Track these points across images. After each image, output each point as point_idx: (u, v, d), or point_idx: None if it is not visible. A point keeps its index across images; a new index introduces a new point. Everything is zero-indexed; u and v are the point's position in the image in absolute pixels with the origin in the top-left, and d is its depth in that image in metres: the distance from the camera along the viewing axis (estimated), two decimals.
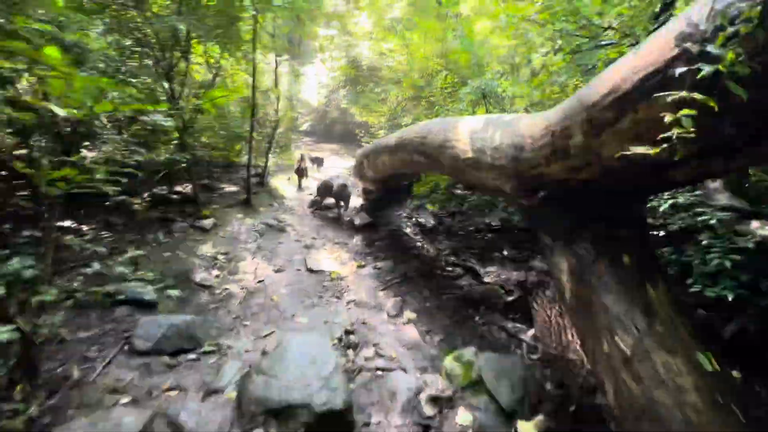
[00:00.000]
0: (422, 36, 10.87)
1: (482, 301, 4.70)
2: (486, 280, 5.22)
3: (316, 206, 9.22)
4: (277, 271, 5.66)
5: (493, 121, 3.08)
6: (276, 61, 10.13)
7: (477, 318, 4.48)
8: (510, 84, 7.12)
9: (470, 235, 7.29)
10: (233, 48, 9.02)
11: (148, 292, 4.09)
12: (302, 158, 13.34)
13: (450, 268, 5.82)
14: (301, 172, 11.34)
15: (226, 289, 4.97)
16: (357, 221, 7.79)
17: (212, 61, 8.17)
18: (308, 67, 19.03)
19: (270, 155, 11.03)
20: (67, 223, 5.77)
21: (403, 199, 9.36)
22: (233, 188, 9.23)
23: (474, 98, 6.98)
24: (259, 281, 5.30)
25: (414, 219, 8.21)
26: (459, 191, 8.26)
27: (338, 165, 16.19)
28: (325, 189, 9.28)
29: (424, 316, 4.64)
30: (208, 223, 6.51)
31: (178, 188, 8.24)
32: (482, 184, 3.34)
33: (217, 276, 5.22)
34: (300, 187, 11.40)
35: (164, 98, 6.44)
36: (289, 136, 16.30)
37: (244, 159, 11.21)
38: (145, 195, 7.45)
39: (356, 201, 10.02)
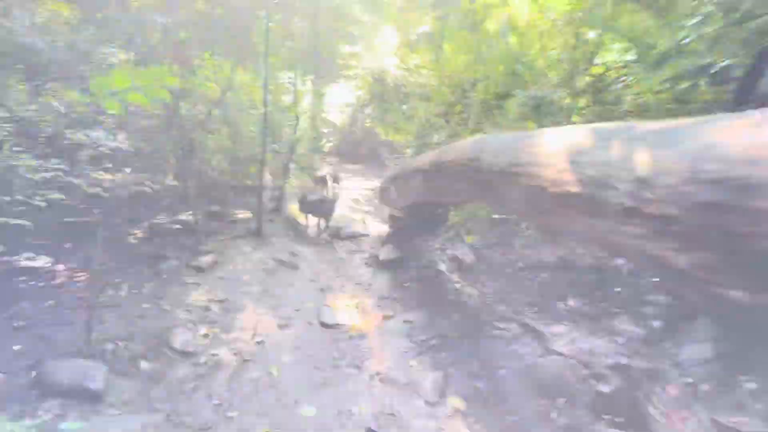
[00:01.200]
0: (454, 47, 9.72)
1: (558, 386, 3.30)
2: (556, 348, 3.82)
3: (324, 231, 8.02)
4: (282, 326, 4.42)
5: (623, 133, 1.77)
6: (295, 84, 9.16)
7: (554, 415, 3.08)
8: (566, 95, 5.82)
9: (520, 274, 5.91)
10: (245, 60, 8.11)
11: (95, 376, 2.90)
12: (323, 180, 12.23)
13: (502, 325, 4.45)
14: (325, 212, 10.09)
15: (214, 355, 3.75)
16: (382, 255, 6.50)
17: (224, 74, 7.20)
18: (332, 86, 18.19)
19: (289, 177, 9.99)
20: (38, 263, 4.75)
21: (435, 227, 8.06)
22: (247, 214, 8.15)
23: (524, 111, 5.68)
24: (259, 342, 4.07)
25: (449, 252, 6.88)
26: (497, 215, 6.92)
27: (361, 186, 15.04)
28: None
29: (477, 406, 3.28)
30: (206, 261, 5.36)
31: (183, 216, 7.21)
32: (601, 239, 2.02)
33: (205, 335, 4.02)
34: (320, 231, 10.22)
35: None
36: (312, 157, 15.36)
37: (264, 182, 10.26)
38: (145, 225, 6.45)
39: (380, 227, 8.78)
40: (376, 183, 15.18)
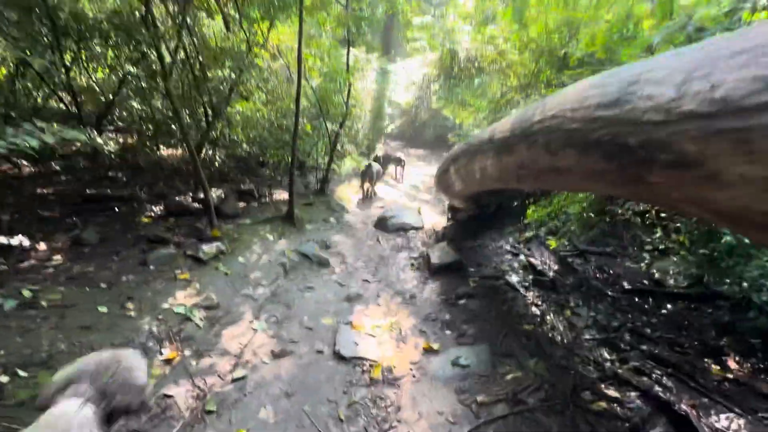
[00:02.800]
0: (541, 2, 7.69)
1: None
2: None
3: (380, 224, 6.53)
4: (280, 353, 3.05)
5: None
6: (348, 41, 7.72)
7: None
8: None
9: (630, 301, 4.05)
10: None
11: None
12: (378, 159, 10.78)
13: (611, 392, 2.73)
14: (371, 176, 8.56)
15: (166, 398, 2.48)
16: (434, 257, 4.91)
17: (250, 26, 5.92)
18: (398, 64, 16.58)
19: (336, 155, 8.68)
20: (14, 241, 3.83)
21: (506, 224, 6.31)
22: (284, 195, 7.00)
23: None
24: (237, 378, 2.75)
25: (523, 259, 5.13)
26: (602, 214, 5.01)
27: (423, 172, 13.44)
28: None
29: None
30: (209, 249, 4.14)
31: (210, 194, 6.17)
32: None
33: (166, 361, 2.78)
34: (367, 196, 8.76)
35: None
36: (372, 138, 13.98)
37: (318, 160, 9.04)
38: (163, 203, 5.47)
39: (437, 220, 7.17)
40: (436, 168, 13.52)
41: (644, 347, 3.20)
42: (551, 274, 4.74)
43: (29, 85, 5.79)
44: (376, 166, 8.59)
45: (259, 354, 3.00)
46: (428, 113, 19.24)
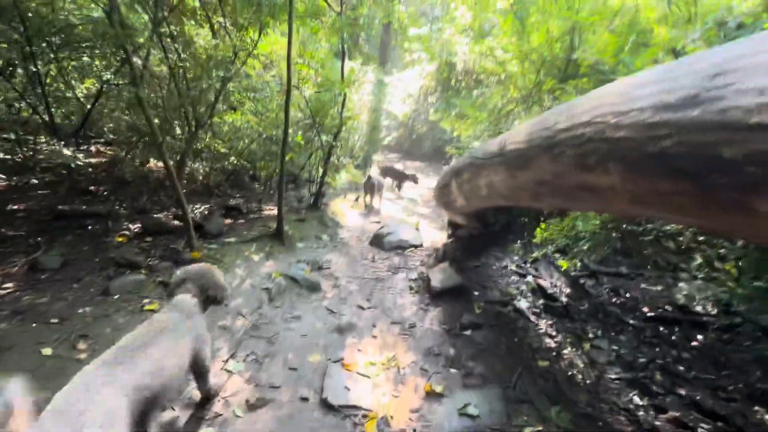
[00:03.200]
0: (542, 10, 7.38)
1: None
2: None
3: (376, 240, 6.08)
4: (255, 402, 2.57)
5: None
6: (343, 50, 7.37)
7: None
8: None
9: (649, 328, 3.60)
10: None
11: None
12: (384, 171, 10.48)
13: None
14: (372, 188, 8.24)
15: None
16: (435, 280, 4.45)
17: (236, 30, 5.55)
18: (395, 76, 16.34)
19: (331, 168, 8.29)
20: None
21: (510, 241, 5.88)
22: (275, 211, 6.57)
23: None
24: None
25: (531, 279, 4.69)
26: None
27: (421, 185, 13.06)
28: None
29: None
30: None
31: (195, 210, 5.73)
32: None
33: None
34: (368, 208, 8.40)
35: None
36: (368, 151, 13.62)
37: (312, 173, 8.63)
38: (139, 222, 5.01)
39: (437, 236, 6.74)
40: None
41: (681, 391, 2.75)
42: (563, 298, 4.30)
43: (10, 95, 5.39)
44: (377, 177, 8.26)
45: (233, 404, 2.52)
46: (425, 125, 18.96)
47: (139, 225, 4.93)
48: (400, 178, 11.30)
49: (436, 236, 6.79)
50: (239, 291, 3.85)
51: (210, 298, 2.40)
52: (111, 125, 6.48)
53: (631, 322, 3.81)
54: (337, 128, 7.30)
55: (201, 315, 2.30)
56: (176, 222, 4.98)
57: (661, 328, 3.68)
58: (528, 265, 5.24)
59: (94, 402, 1.42)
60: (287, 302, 3.92)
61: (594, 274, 4.69)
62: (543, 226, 4.38)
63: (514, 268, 5.22)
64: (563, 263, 4.46)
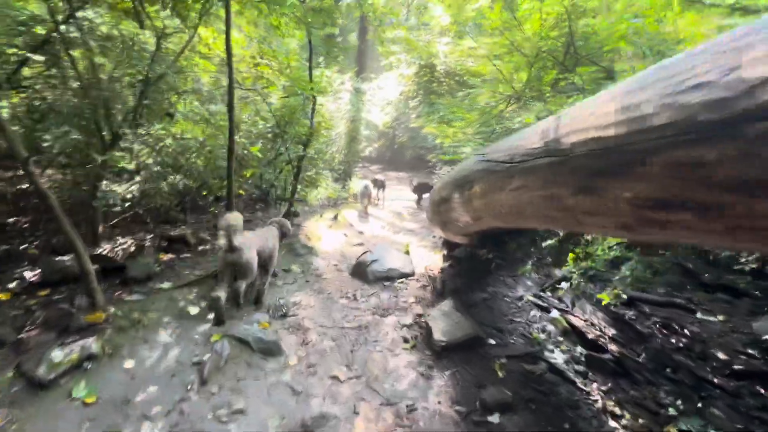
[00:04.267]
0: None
1: None
2: None
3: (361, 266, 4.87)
4: None
5: None
6: (310, 47, 6.20)
7: None
8: None
9: (744, 390, 2.47)
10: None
11: None
12: (366, 188, 9.32)
13: None
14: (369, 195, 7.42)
15: None
16: (438, 332, 3.20)
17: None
18: (373, 83, 15.27)
19: (305, 183, 7.08)
20: None
21: (519, 259, 4.74)
22: None
23: None
24: None
25: (558, 314, 3.52)
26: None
27: (405, 196, 11.93)
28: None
29: None
30: (63, 356, 2.35)
31: (124, 244, 4.42)
32: None
33: None
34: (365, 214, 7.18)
35: None
36: (348, 163, 12.44)
37: (286, 189, 7.35)
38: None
39: (430, 258, 5.56)
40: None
41: None
42: (609, 344, 3.14)
43: None
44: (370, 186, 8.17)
45: None
46: (407, 134, 17.93)
47: (40, 271, 3.59)
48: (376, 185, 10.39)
49: (428, 258, 5.59)
50: (155, 374, 2.55)
51: (283, 232, 4.36)
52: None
53: (716, 380, 2.67)
54: (307, 137, 6.09)
55: (278, 237, 4.22)
56: (93, 266, 3.66)
57: (762, 389, 2.55)
58: (547, 293, 4.09)
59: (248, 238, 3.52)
60: (229, 383, 2.63)
61: (632, 303, 3.56)
62: (578, 250, 3.24)
63: (531, 298, 4.06)
64: (604, 297, 3.31)
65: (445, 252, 5.64)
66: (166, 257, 4.38)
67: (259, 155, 5.45)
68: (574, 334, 3.32)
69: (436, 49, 10.38)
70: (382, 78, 14.36)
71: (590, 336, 3.25)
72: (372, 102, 14.85)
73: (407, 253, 5.53)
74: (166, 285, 3.71)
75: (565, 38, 6.07)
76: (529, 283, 4.50)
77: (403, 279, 4.65)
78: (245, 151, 5.36)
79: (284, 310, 3.77)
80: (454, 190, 3.15)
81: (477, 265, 4.87)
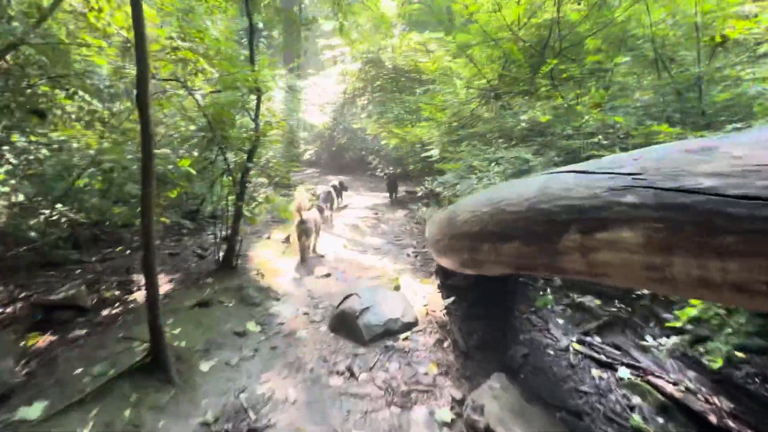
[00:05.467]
0: None
1: None
2: None
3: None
4: None
5: None
6: (250, 22, 4.68)
7: None
8: None
9: None
10: None
11: None
12: (325, 198, 7.78)
13: None
14: (306, 232, 5.24)
15: None
16: None
17: None
18: (310, 80, 13.72)
19: (249, 199, 5.49)
20: None
21: (528, 284, 3.78)
22: (170, 275, 3.68)
23: None
24: None
25: (626, 373, 2.58)
26: None
27: (356, 203, 10.66)
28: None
29: None
30: None
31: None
32: None
33: None
34: (304, 259, 5.55)
35: None
36: (283, 169, 10.79)
37: (225, 206, 5.61)
38: None
39: (417, 289, 4.40)
40: (372, 200, 10.80)
41: None
42: (729, 420, 2.24)
43: None
44: (312, 217, 5.42)
45: None
46: (346, 135, 16.59)
47: None
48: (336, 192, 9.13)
49: (419, 289, 4.42)
50: None
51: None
52: None
53: None
54: (252, 143, 4.56)
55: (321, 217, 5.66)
56: None
57: None
58: (597, 341, 3.16)
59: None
60: None
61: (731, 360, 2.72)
62: (698, 303, 2.30)
63: (579, 347, 3.09)
64: (718, 360, 2.40)
65: (439, 281, 4.52)
66: (42, 341, 2.67)
67: (191, 171, 3.82)
68: (676, 408, 2.38)
69: (386, 42, 9.21)
70: (322, 75, 12.88)
71: (697, 408, 2.33)
72: (309, 101, 13.31)
73: (397, 288, 4.28)
74: (35, 410, 2.08)
75: (548, 26, 5.27)
76: (559, 320, 3.56)
77: (409, 333, 3.41)
78: (170, 167, 3.70)
79: (242, 413, 2.35)
80: (529, 224, 2.00)
81: (486, 299, 3.82)
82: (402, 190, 10.94)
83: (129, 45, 4.69)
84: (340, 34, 8.70)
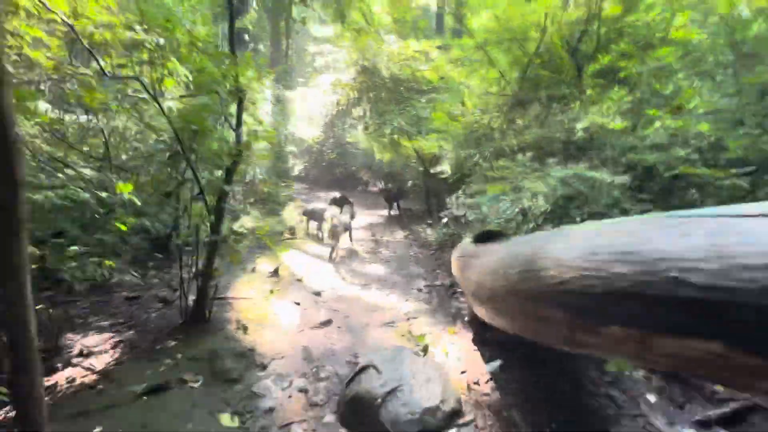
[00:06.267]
0: None
1: None
2: None
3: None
4: None
5: None
6: (231, 5, 3.67)
7: None
8: None
9: None
10: None
11: None
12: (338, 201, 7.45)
13: None
14: (336, 234, 4.87)
15: None
16: None
17: None
18: (299, 90, 12.74)
19: (228, 226, 4.37)
20: None
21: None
22: (95, 362, 2.53)
23: None
24: None
25: None
26: None
27: (361, 222, 9.64)
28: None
29: None
30: None
31: None
32: None
33: None
34: (332, 257, 4.39)
35: None
36: (273, 185, 9.70)
37: (198, 233, 4.43)
38: None
39: (443, 342, 3.34)
40: (366, 218, 9.77)
41: None
42: None
43: None
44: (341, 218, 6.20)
45: None
46: (337, 149, 15.58)
47: None
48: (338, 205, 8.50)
49: (446, 344, 3.37)
50: None
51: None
52: None
53: None
54: (233, 158, 3.49)
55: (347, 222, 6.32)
56: None
57: None
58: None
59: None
60: None
61: None
62: None
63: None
64: None
65: (473, 332, 3.49)
66: None
67: (134, 199, 2.70)
68: None
69: (383, 47, 8.30)
70: (312, 85, 11.91)
71: None
72: (297, 113, 12.30)
73: (425, 350, 3.21)
74: None
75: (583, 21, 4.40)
76: (650, 397, 2.56)
77: (454, 430, 2.34)
78: (105, 194, 2.60)
79: None
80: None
81: (544, 360, 2.82)
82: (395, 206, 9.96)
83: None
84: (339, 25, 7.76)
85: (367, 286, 5.19)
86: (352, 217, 7.31)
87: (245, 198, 8.59)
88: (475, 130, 5.27)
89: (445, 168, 5.84)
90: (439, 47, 8.52)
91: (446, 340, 3.50)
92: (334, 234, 6.09)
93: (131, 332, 3.22)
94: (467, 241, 3.45)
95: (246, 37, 13.11)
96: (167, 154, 3.15)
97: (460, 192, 4.85)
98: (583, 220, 2.89)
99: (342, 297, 4.74)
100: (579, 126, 3.18)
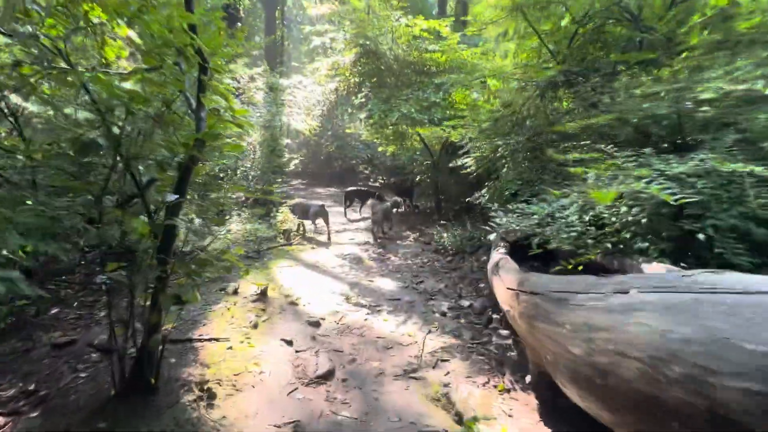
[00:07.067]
0: None
1: None
2: None
3: None
4: None
5: None
6: None
7: None
8: None
9: None
10: None
11: None
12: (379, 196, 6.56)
13: None
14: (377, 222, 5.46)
15: None
16: None
17: None
18: (294, 78, 11.53)
19: (188, 259, 3.24)
20: None
21: None
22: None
23: None
24: None
25: None
26: None
27: (344, 222, 8.56)
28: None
29: None
30: None
31: None
32: None
33: None
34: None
35: None
36: (267, 180, 8.55)
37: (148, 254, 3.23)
38: None
39: (487, 410, 2.19)
40: (365, 217, 8.65)
41: None
42: None
43: None
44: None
45: None
46: (336, 142, 14.39)
47: None
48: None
49: (508, 421, 2.30)
50: None
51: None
52: None
53: None
54: (188, 152, 2.36)
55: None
56: None
57: None
58: None
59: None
60: None
61: None
62: None
63: None
64: None
65: (538, 398, 2.40)
66: None
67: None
68: None
69: (388, 26, 7.10)
70: (308, 71, 10.71)
71: None
72: (293, 103, 11.08)
73: (463, 421, 2.11)
74: None
75: None
76: None
77: None
78: None
79: None
80: None
81: None
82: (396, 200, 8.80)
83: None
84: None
85: (376, 309, 4.10)
86: (395, 205, 7.83)
87: (222, 205, 7.44)
88: (507, 115, 4.12)
89: (467, 162, 4.71)
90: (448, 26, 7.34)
91: (498, 407, 2.40)
92: (375, 222, 6.84)
93: (37, 412, 2.11)
94: (514, 266, 2.33)
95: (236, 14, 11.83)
96: (76, 141, 2.01)
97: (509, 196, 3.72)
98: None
99: (346, 327, 3.64)
100: (705, 96, 2.06)
